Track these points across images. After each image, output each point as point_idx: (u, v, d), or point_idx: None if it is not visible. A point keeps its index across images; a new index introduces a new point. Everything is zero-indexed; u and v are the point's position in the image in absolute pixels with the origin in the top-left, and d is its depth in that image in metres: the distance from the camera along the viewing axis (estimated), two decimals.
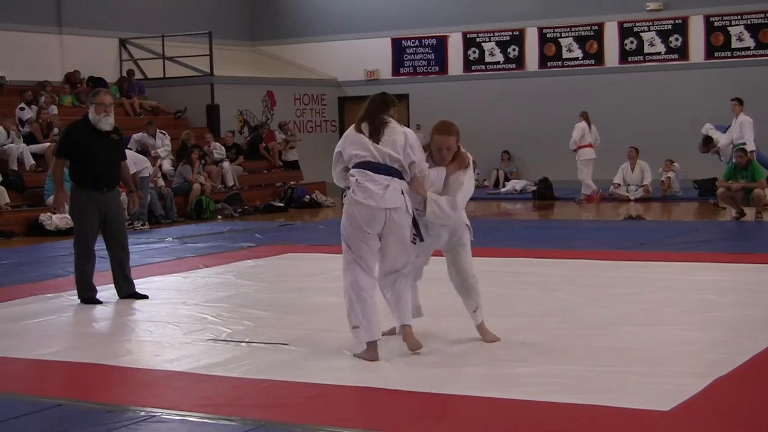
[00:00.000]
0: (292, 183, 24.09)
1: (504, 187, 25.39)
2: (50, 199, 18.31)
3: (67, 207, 10.31)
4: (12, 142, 19.98)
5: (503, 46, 27.58)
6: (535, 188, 23.50)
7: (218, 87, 26.00)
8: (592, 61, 26.63)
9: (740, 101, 19.69)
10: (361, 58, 28.90)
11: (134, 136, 21.59)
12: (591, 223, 17.56)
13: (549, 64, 27.09)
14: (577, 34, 26.77)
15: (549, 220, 19.50)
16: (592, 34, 26.62)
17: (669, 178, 21.89)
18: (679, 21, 25.74)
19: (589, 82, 26.32)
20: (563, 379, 6.51)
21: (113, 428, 5.81)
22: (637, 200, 21.56)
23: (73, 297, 10.26)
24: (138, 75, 26.28)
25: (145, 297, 10.20)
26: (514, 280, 10.88)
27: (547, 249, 13.40)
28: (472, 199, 7.95)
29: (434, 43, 28.32)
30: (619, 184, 22.21)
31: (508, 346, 7.55)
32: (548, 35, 27.05)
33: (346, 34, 29.01)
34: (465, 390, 6.32)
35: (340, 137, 7.84)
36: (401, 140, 7.40)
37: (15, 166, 19.63)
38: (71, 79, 24.30)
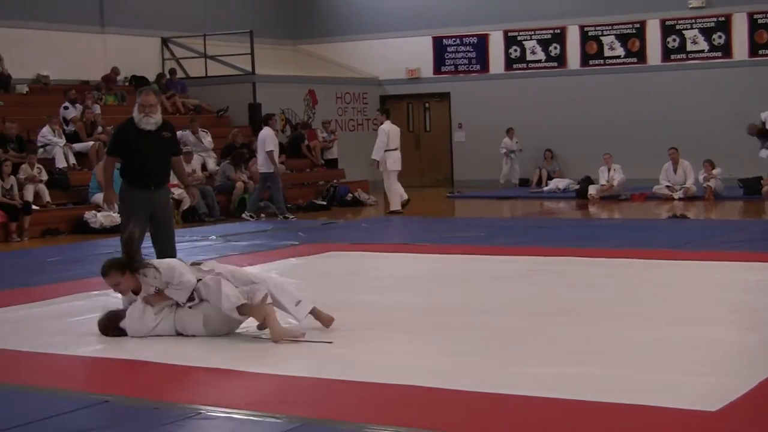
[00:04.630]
0: (334, 181, 24.13)
1: (547, 185, 25.27)
2: (96, 197, 18.48)
3: (116, 206, 10.35)
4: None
5: (545, 44, 27.51)
6: (577, 187, 23.39)
7: (260, 86, 26.07)
8: (635, 59, 26.50)
9: (384, 111, 21.65)
10: (402, 56, 28.89)
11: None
12: (634, 222, 17.46)
13: (591, 62, 26.98)
14: (619, 32, 26.65)
15: (592, 219, 19.41)
16: (634, 32, 26.49)
17: (710, 186, 21.62)
18: (722, 18, 25.57)
19: (632, 81, 26.21)
20: (607, 379, 6.48)
21: (160, 425, 5.85)
22: (680, 199, 21.41)
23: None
24: (180, 74, 26.40)
25: None
26: (556, 279, 10.85)
27: (589, 248, 13.34)
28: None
29: (475, 41, 28.28)
30: (667, 185, 22.01)
31: (551, 346, 7.53)
32: (590, 33, 26.94)
33: (388, 33, 29.01)
34: (510, 389, 6.29)
35: None
36: None
37: (60, 165, 19.79)
38: (110, 78, 24.43)
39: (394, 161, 20.64)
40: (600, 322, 8.37)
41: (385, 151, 20.54)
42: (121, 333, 8.20)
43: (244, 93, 25.99)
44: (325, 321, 8.20)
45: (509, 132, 26.78)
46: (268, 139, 19.89)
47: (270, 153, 19.80)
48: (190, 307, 8.16)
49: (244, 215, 19.89)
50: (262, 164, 20.10)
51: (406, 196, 20.75)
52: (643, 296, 9.62)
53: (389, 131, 20.68)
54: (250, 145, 22.86)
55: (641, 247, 13.35)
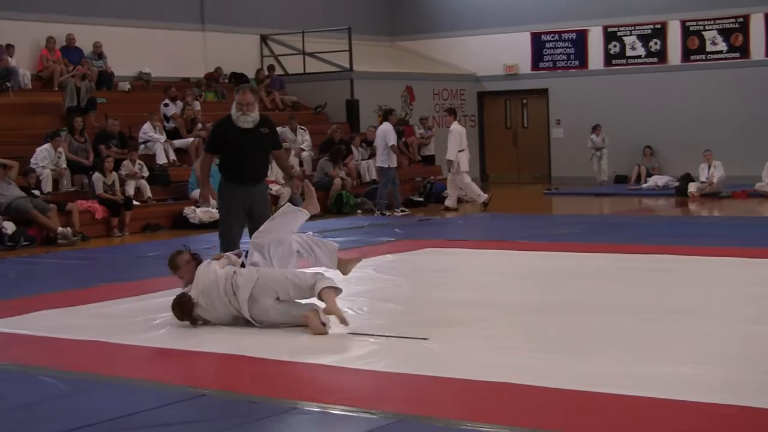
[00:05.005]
0: (431, 178, 24.11)
1: (646, 182, 24.93)
2: (195, 193, 18.71)
3: (212, 201, 10.49)
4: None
5: (645, 39, 27.16)
6: (677, 184, 23.06)
7: (357, 82, 26.16)
8: (738, 54, 26.03)
9: (451, 112, 21.38)
10: (500, 52, 28.75)
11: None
12: (735, 220, 17.19)
13: (692, 57, 26.57)
14: (721, 27, 26.21)
15: (691, 216, 19.15)
16: (737, 26, 26.02)
17: None
18: None
19: (734, 76, 25.74)
20: (708, 379, 6.39)
21: (256, 419, 5.90)
22: None
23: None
24: (278, 71, 26.60)
25: None
26: (653, 277, 10.73)
27: (688, 246, 13.15)
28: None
29: (574, 37, 28.04)
30: None
31: (649, 345, 7.43)
32: (691, 28, 26.54)
33: (485, 29, 28.89)
34: (610, 388, 6.21)
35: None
36: None
37: (161, 161, 20.06)
38: (212, 76, 24.76)
39: (466, 162, 20.74)
40: (700, 320, 8.24)
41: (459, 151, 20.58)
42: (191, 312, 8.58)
43: (341, 89, 26.10)
44: (354, 260, 9.27)
45: (595, 129, 26.59)
46: (389, 133, 20.12)
47: (393, 147, 19.94)
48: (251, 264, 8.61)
49: (396, 211, 20.02)
50: (381, 159, 20.22)
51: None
52: (743, 295, 9.46)
53: (462, 132, 20.75)
54: (349, 142, 22.97)
55: (742, 245, 13.14)
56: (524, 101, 29.22)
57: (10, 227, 15.98)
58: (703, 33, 26.41)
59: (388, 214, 19.97)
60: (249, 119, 10.04)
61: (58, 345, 8.16)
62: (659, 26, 26.90)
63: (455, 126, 20.90)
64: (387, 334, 8.00)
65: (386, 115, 20.99)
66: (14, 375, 7.12)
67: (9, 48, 21.19)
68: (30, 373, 7.14)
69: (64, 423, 5.86)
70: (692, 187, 22.00)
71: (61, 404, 6.34)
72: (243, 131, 10.05)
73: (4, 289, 11.38)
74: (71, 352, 7.89)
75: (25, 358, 7.67)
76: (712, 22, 26.25)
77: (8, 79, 20.78)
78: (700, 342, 7.46)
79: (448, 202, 21.08)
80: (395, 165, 20.27)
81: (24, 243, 15.89)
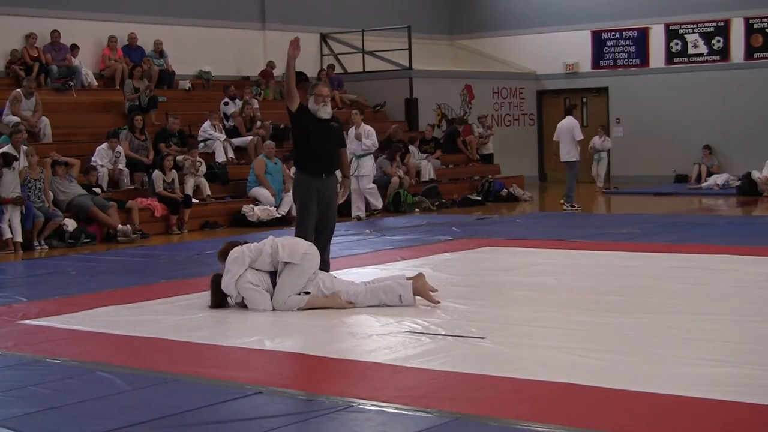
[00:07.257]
0: (489, 177, 24.06)
1: (705, 182, 24.70)
2: (253, 191, 18.80)
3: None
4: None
5: (707, 37, 26.91)
6: (738, 183, 22.81)
7: (417, 81, 26.18)
8: None
9: (362, 110, 20.66)
10: (560, 51, 28.65)
11: None
12: None
13: (756, 55, 26.29)
14: None
15: (753, 216, 18.94)
16: None
17: None
18: None
19: None
20: (764, 380, 6.32)
21: (312, 416, 5.91)
22: None
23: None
24: (338, 69, 26.67)
25: None
26: (713, 277, 10.61)
27: (749, 246, 13.01)
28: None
29: (635, 35, 27.85)
30: None
31: (705, 345, 7.36)
32: (755, 25, 26.26)
33: (545, 27, 28.79)
34: (670, 389, 6.15)
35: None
36: None
37: (220, 159, 20.18)
38: (267, 72, 24.84)
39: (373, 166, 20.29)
40: (757, 321, 8.14)
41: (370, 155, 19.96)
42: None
43: (400, 88, 26.13)
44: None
45: (598, 131, 26.40)
46: (576, 128, 20.16)
47: (579, 142, 20.06)
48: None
49: (566, 207, 19.91)
50: (569, 153, 20.21)
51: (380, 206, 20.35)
52: None
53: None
54: (406, 141, 22.96)
55: None
56: (584, 100, 29.06)
57: (71, 224, 16.18)
58: (767, 30, 26.11)
59: (578, 207, 19.87)
60: (328, 110, 10.54)
61: (117, 341, 8.23)
62: (722, 24, 26.63)
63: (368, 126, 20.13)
64: (443, 333, 7.99)
65: (570, 109, 20.98)
66: (75, 371, 7.19)
67: (73, 48, 21.43)
68: (89, 369, 7.21)
69: (123, 419, 5.91)
70: (757, 174, 21.77)
71: (120, 400, 6.39)
72: (321, 121, 10.47)
73: (64, 286, 11.51)
74: (130, 349, 7.95)
75: (85, 354, 7.74)
76: None
77: (71, 78, 21.03)
78: (762, 344, 7.38)
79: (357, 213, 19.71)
80: (579, 159, 20.26)
81: (84, 240, 16.08)
